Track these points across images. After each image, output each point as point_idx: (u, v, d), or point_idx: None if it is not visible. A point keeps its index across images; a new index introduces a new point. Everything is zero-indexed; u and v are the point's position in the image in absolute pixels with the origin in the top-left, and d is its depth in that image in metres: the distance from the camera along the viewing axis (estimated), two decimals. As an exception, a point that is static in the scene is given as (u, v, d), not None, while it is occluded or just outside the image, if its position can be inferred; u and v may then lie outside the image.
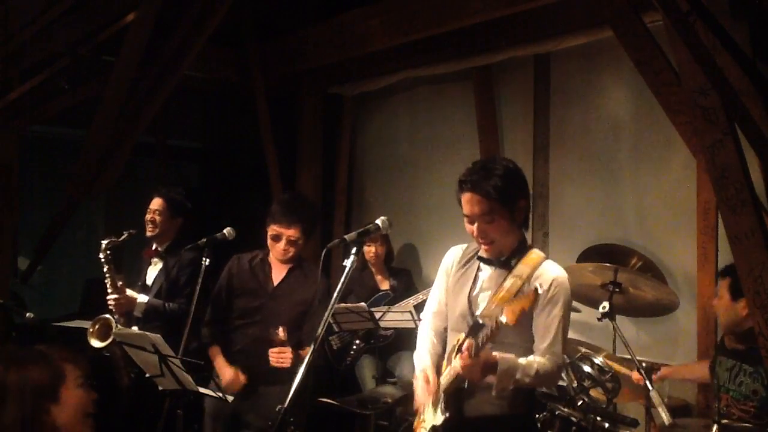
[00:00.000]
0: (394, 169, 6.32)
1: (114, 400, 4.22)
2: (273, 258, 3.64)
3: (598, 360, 3.39)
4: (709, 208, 4.12)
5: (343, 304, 4.43)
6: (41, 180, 7.01)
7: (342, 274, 2.46)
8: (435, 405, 2.61)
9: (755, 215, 2.78)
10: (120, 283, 4.08)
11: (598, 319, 3.62)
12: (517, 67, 5.33)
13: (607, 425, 3.26)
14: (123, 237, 4.19)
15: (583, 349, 3.47)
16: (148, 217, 4.27)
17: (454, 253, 2.82)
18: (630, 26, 3.97)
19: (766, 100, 2.67)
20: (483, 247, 2.62)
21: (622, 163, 4.77)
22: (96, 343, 3.96)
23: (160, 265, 4.26)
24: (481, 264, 2.68)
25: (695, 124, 3.01)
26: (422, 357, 2.79)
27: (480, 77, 5.46)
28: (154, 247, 4.32)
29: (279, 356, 3.41)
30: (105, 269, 4.08)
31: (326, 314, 2.46)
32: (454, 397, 2.58)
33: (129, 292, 4.10)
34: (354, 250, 2.47)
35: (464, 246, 2.82)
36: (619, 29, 4.05)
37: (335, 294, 2.44)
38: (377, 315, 4.38)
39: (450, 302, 2.76)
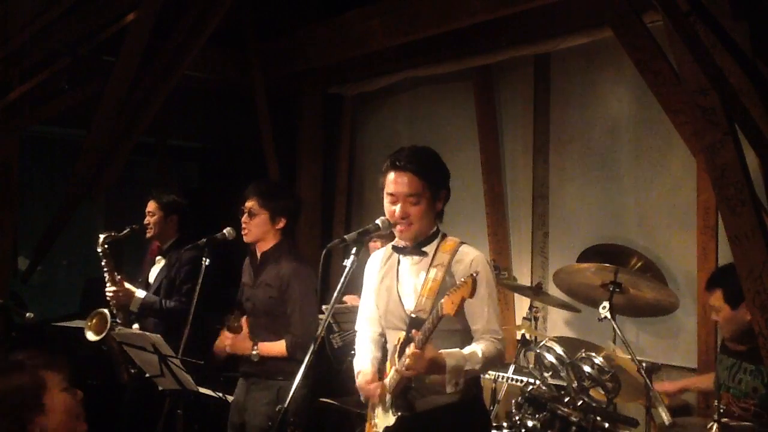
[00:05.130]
0: (394, 169, 6.31)
1: (115, 396, 4.23)
2: (257, 250, 3.65)
3: (598, 360, 3.38)
4: (709, 208, 4.12)
5: (343, 305, 4.43)
6: (41, 180, 7.01)
7: (342, 274, 2.46)
8: (384, 406, 2.62)
9: (755, 215, 2.78)
10: (119, 276, 4.12)
11: (599, 319, 3.61)
12: (517, 67, 5.33)
13: (607, 425, 3.26)
14: (125, 231, 4.29)
15: (584, 350, 3.46)
16: (145, 220, 4.34)
17: (378, 255, 2.87)
18: (630, 26, 3.97)
19: (766, 100, 2.67)
20: (399, 228, 2.63)
21: (622, 163, 4.77)
22: (92, 337, 4.00)
23: (162, 263, 4.31)
24: (400, 257, 2.72)
25: (695, 124, 3.01)
26: (359, 361, 2.82)
27: (480, 77, 5.46)
28: (157, 246, 4.39)
29: (224, 340, 3.49)
30: (103, 263, 4.15)
31: (326, 314, 2.47)
32: (402, 395, 2.58)
33: (128, 285, 4.14)
34: (354, 250, 2.47)
35: (385, 248, 2.87)
36: (619, 29, 4.05)
37: (335, 294, 2.45)
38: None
39: (380, 302, 2.78)
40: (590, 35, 4.54)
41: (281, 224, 3.58)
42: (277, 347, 3.47)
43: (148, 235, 4.34)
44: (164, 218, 4.31)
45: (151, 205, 4.33)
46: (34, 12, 4.41)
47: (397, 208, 2.60)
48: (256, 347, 3.45)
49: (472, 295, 2.33)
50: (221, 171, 6.92)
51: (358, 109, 6.66)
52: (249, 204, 3.55)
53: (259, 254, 3.62)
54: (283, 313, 3.50)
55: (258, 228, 3.54)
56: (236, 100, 6.56)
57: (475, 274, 2.35)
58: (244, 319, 3.50)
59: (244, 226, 3.56)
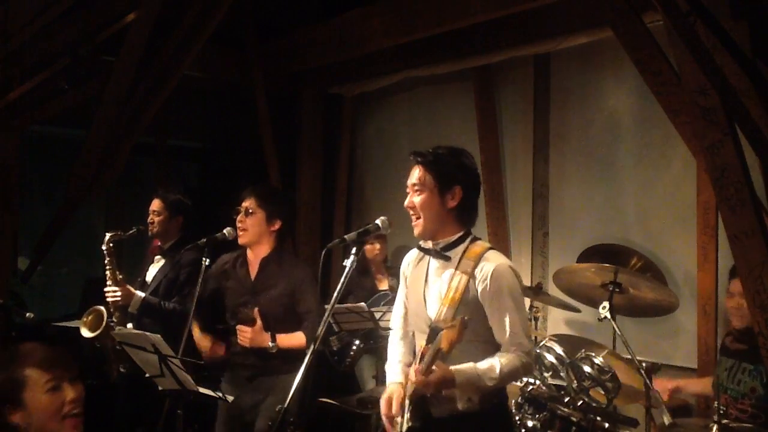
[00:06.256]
0: (394, 169, 6.31)
1: (114, 395, 4.24)
2: (250, 254, 3.66)
3: (598, 360, 3.38)
4: (709, 208, 4.12)
5: (342, 305, 4.43)
6: (41, 180, 7.01)
7: (342, 274, 2.46)
8: (404, 411, 2.60)
9: (755, 215, 2.78)
10: (120, 276, 4.12)
11: (599, 319, 3.61)
12: (517, 67, 5.33)
13: (607, 425, 3.26)
14: (131, 231, 4.30)
15: (584, 350, 3.46)
16: (149, 218, 4.34)
17: (412, 254, 2.86)
18: (630, 26, 3.97)
19: (766, 100, 2.67)
20: (413, 224, 2.66)
21: (622, 163, 4.77)
22: (86, 333, 4.01)
23: (161, 263, 4.30)
24: (431, 259, 2.70)
25: (695, 124, 3.01)
26: (391, 369, 2.80)
27: (480, 77, 5.46)
28: (157, 245, 4.39)
29: (240, 334, 3.52)
30: (106, 261, 4.15)
31: (326, 314, 2.47)
32: (420, 402, 2.55)
33: (128, 287, 4.15)
34: (354, 250, 2.48)
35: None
36: (619, 29, 4.05)
37: (335, 294, 2.45)
38: (377, 315, 4.38)
39: (409, 302, 2.79)
40: (590, 35, 4.54)
41: (276, 226, 3.60)
42: (296, 339, 3.51)
43: (150, 232, 4.33)
44: (169, 218, 4.32)
45: (156, 204, 4.33)
46: (34, 12, 4.41)
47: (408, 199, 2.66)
48: (273, 340, 3.47)
49: (459, 339, 2.29)
50: (221, 171, 6.92)
51: (358, 109, 6.66)
52: (246, 203, 3.58)
53: (256, 259, 3.63)
54: (292, 312, 3.55)
55: (254, 227, 3.57)
56: (236, 100, 6.57)
57: (464, 319, 2.31)
58: (256, 311, 3.52)
59: (239, 225, 3.57)
